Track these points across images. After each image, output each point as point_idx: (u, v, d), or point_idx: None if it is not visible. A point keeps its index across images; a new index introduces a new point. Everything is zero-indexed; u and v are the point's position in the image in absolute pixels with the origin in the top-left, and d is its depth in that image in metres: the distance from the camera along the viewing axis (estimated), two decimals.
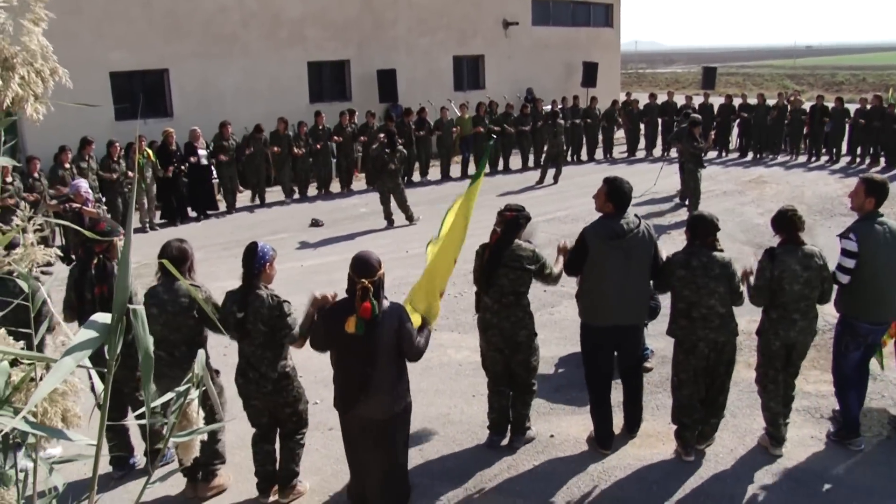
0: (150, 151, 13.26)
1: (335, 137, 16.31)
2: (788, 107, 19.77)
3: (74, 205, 9.70)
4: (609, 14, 28.34)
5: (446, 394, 6.40)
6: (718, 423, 5.55)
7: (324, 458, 5.59)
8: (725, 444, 5.63)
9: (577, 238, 5.42)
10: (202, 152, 14.38)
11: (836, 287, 5.42)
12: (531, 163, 19.27)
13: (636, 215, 5.36)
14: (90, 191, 10.21)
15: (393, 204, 13.17)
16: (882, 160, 18.38)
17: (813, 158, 19.41)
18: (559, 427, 5.96)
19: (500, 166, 18.99)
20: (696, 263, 5.16)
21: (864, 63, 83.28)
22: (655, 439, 5.74)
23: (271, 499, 5.10)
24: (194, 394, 2.21)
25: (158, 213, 14.04)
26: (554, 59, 25.32)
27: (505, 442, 5.72)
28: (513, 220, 5.36)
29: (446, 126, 17.95)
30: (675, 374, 5.45)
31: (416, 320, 4.60)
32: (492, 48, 23.74)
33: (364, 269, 4.24)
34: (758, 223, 12.28)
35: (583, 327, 5.58)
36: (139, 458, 5.56)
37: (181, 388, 2.21)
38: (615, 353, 5.60)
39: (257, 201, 15.47)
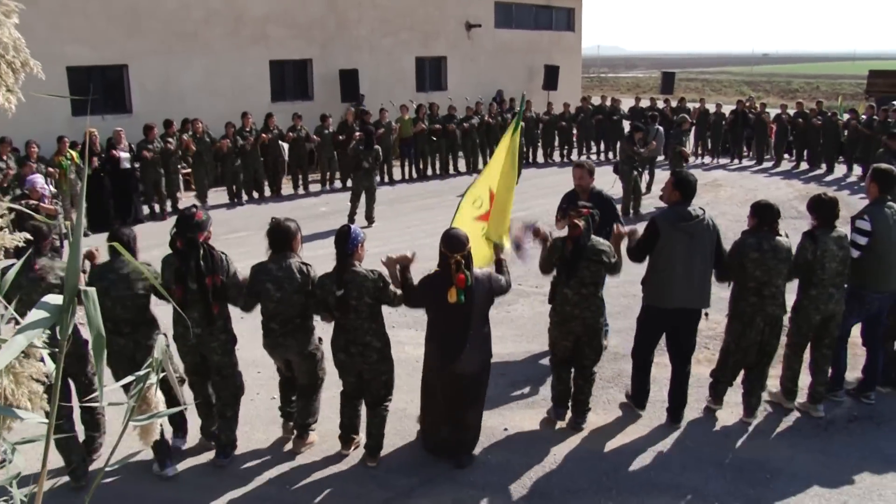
0: (73, 153, 12.74)
1: (263, 135, 15.62)
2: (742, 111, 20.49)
3: (31, 201, 9.56)
4: (571, 18, 28.66)
5: (403, 389, 6.46)
6: (762, 395, 6.12)
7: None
8: (673, 436, 5.81)
9: (647, 224, 5.83)
10: (124, 155, 13.60)
11: None
12: (481, 165, 19.40)
13: (702, 207, 5.76)
14: (46, 186, 10.04)
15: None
16: (804, 164, 19.50)
17: (735, 160, 20.54)
18: (513, 421, 6.09)
19: (451, 169, 19.08)
20: (766, 247, 5.66)
21: (818, 72, 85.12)
22: (606, 432, 5.90)
23: (349, 452, 5.60)
24: (153, 378, 2.26)
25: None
26: (516, 61, 25.53)
27: (563, 426, 6.01)
28: (591, 217, 5.67)
29: (386, 127, 17.42)
30: (732, 340, 5.95)
31: (487, 254, 5.88)
32: (454, 50, 23.88)
33: (456, 245, 4.98)
34: None
35: (647, 309, 6.00)
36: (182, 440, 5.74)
37: (141, 372, 2.26)
38: (670, 339, 5.99)
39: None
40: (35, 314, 1.90)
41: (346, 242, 5.12)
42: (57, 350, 1.98)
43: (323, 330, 5.56)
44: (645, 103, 21.32)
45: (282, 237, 5.26)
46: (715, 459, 5.48)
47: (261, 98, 18.67)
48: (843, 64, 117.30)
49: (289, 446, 5.71)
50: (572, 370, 5.95)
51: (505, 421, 6.09)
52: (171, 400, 4.46)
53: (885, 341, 6.42)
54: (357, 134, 14.88)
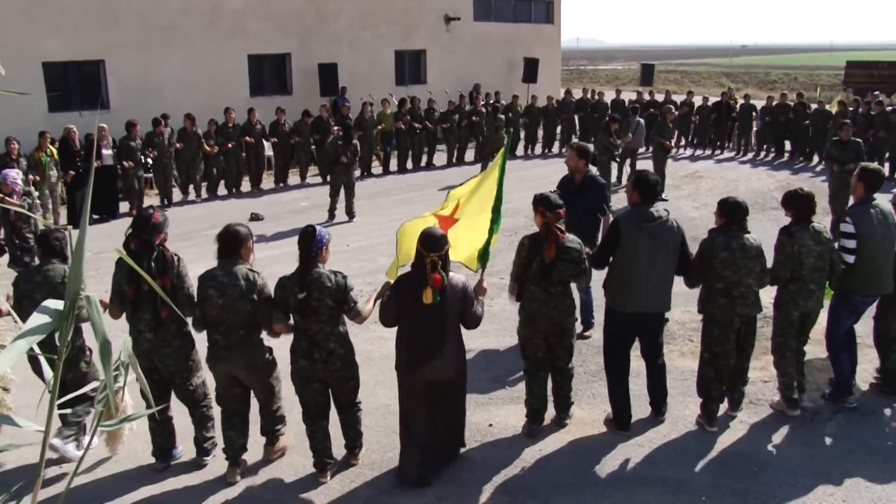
0: (53, 150, 12.53)
1: (245, 137, 15.40)
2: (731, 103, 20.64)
3: None
4: (550, 11, 28.64)
5: (386, 385, 6.42)
6: (744, 389, 6.03)
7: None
8: (658, 430, 5.79)
9: (610, 225, 5.67)
10: (107, 152, 13.35)
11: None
12: (467, 157, 19.44)
13: (665, 209, 5.59)
14: (18, 181, 9.80)
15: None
16: (787, 154, 19.67)
17: (718, 152, 20.66)
18: (497, 416, 6.06)
19: (424, 161, 18.94)
20: (735, 246, 5.49)
21: (796, 63, 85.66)
22: (591, 427, 5.88)
23: (327, 478, 5.22)
24: (122, 381, 2.19)
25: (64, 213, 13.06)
26: (495, 54, 25.49)
27: (547, 423, 5.90)
28: (562, 217, 5.51)
29: (367, 122, 17.27)
30: (707, 349, 5.77)
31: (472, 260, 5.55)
32: (434, 43, 23.80)
33: (433, 245, 4.78)
34: (693, 217, 12.60)
35: (608, 313, 5.77)
36: (181, 450, 5.53)
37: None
38: (636, 339, 5.84)
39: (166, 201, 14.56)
40: (35, 319, 1.86)
41: (311, 244, 4.90)
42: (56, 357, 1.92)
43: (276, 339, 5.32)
44: (628, 95, 21.46)
45: (230, 242, 5.01)
46: (701, 453, 5.47)
47: (240, 92, 18.54)
48: (820, 55, 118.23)
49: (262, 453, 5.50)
50: (548, 380, 5.81)
51: (490, 416, 6.05)
52: None
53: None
54: (335, 128, 14.77)
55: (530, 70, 24.45)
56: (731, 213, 5.58)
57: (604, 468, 5.31)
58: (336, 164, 12.94)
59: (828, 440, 5.63)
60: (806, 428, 5.81)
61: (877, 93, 20.77)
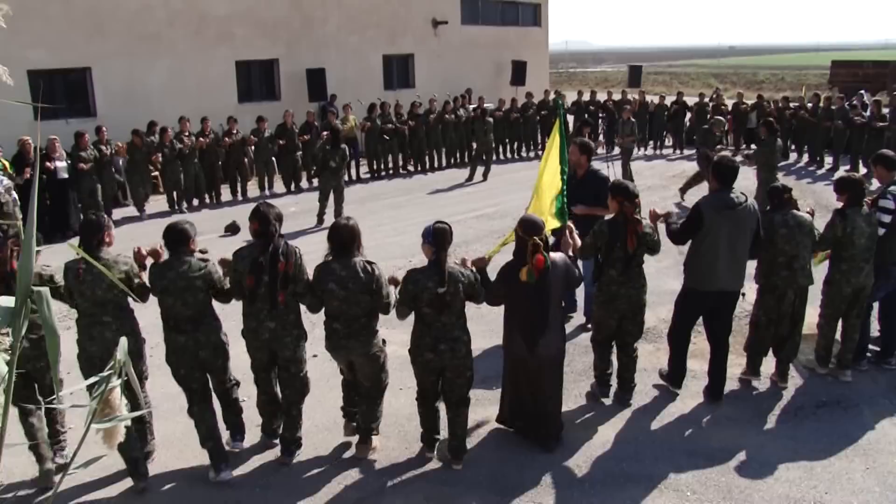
0: (5, 162, 12.04)
1: (199, 139, 15.02)
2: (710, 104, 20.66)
3: None
4: (537, 14, 28.75)
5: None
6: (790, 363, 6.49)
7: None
8: (644, 428, 5.84)
9: (691, 209, 5.99)
10: (60, 164, 12.86)
11: None
12: (447, 161, 19.50)
13: (743, 193, 5.91)
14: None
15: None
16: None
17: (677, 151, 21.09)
18: (484, 416, 6.07)
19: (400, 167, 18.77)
20: (792, 223, 6.11)
21: (784, 63, 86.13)
22: (577, 426, 5.90)
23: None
24: (116, 381, 2.21)
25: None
26: (483, 57, 25.54)
27: (609, 401, 6.30)
28: (639, 206, 5.93)
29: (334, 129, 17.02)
30: (761, 315, 6.34)
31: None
32: (421, 47, 23.83)
33: (534, 228, 5.14)
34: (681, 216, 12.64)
35: (689, 293, 6.16)
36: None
37: (104, 374, 2.21)
38: (708, 321, 6.20)
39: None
40: None
41: (446, 239, 5.12)
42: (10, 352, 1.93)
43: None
44: (603, 97, 21.84)
45: (347, 239, 5.16)
46: (686, 449, 5.51)
47: (227, 99, 18.51)
48: (807, 55, 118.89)
49: (352, 452, 5.59)
50: (613, 349, 6.21)
51: (476, 416, 6.03)
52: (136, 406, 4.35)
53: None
54: (324, 133, 14.79)
55: (518, 73, 24.51)
56: (778, 196, 6.22)
57: (591, 467, 5.33)
58: (325, 170, 13.00)
59: (811, 434, 5.68)
60: (790, 422, 5.87)
61: (862, 92, 20.91)
